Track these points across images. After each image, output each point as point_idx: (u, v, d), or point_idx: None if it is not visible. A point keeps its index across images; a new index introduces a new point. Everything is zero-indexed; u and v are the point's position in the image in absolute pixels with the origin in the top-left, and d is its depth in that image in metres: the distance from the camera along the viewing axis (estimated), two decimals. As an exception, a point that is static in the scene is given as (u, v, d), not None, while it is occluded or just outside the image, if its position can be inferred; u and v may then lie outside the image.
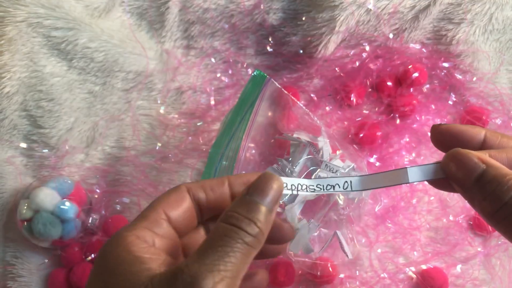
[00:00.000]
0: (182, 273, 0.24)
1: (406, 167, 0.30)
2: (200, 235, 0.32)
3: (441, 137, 0.30)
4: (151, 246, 0.27)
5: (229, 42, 0.57)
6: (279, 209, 0.48)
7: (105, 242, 0.28)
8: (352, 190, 0.31)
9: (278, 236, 0.31)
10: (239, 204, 0.27)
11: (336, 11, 0.52)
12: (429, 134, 0.55)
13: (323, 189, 0.31)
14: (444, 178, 0.29)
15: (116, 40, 0.54)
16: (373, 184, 0.31)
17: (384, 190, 0.54)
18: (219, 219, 0.27)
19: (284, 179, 0.30)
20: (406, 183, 0.30)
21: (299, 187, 0.31)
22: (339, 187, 0.31)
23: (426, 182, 0.54)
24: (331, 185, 0.31)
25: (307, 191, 0.31)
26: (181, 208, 0.29)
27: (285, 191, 0.30)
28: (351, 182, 0.31)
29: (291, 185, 0.31)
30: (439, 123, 0.31)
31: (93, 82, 0.54)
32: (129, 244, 0.27)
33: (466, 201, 0.28)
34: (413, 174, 0.29)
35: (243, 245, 0.26)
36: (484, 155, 0.28)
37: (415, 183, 0.31)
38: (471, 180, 0.27)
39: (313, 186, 0.31)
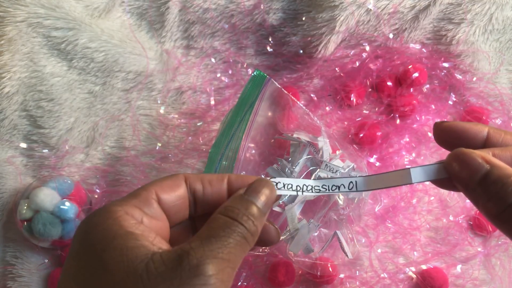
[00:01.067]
0: (188, 255, 0.24)
1: (409, 168, 0.30)
2: (188, 230, 0.32)
3: (444, 134, 0.30)
4: (140, 224, 0.27)
5: (229, 42, 0.57)
6: (279, 209, 0.48)
7: (90, 214, 0.27)
8: (357, 191, 0.31)
9: (264, 238, 0.31)
10: (237, 201, 0.28)
11: (336, 11, 0.52)
12: (429, 134, 0.55)
13: (329, 190, 0.32)
14: (447, 178, 0.29)
15: (116, 40, 0.54)
16: (377, 185, 0.31)
17: (384, 190, 0.54)
18: (218, 211, 0.28)
19: (289, 180, 0.31)
20: (410, 183, 0.30)
21: (304, 188, 0.32)
22: (344, 187, 0.32)
23: (427, 182, 0.55)
24: (337, 186, 0.32)
25: (312, 191, 0.32)
26: (174, 194, 0.29)
27: (290, 192, 0.31)
28: (356, 182, 0.31)
29: (296, 186, 0.31)
30: (441, 120, 0.31)
31: (93, 82, 0.54)
32: (119, 218, 0.26)
33: (470, 201, 0.28)
34: (416, 174, 0.30)
35: (241, 238, 0.26)
36: (487, 154, 0.27)
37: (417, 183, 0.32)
38: (475, 180, 0.27)
39: (318, 187, 0.32)
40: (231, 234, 0.26)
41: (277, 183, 0.31)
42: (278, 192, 0.31)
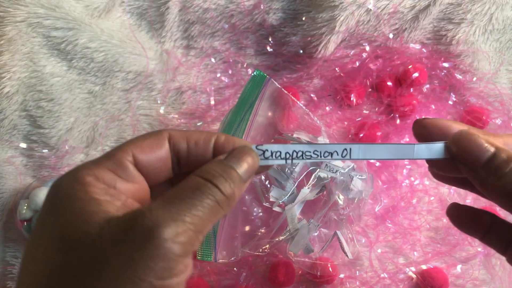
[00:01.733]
0: (143, 217, 0.23)
1: (414, 144, 0.29)
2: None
3: (425, 131, 0.30)
4: (110, 188, 0.25)
5: (229, 42, 0.57)
6: (279, 209, 0.48)
7: (59, 177, 0.26)
8: (350, 158, 0.30)
9: None
10: (216, 164, 0.27)
11: (336, 11, 0.52)
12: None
13: (320, 156, 0.30)
14: (449, 159, 0.29)
15: (116, 40, 0.53)
16: (374, 155, 0.30)
17: (384, 190, 0.54)
18: (193, 173, 0.26)
19: (277, 147, 0.29)
20: (410, 158, 0.30)
21: (294, 155, 0.30)
22: (338, 154, 0.30)
23: (426, 182, 0.55)
24: (329, 152, 0.30)
25: (303, 158, 0.30)
26: (154, 156, 0.27)
27: (278, 161, 0.29)
28: (350, 149, 0.30)
29: (285, 153, 0.30)
30: (422, 117, 0.31)
31: (93, 82, 0.54)
32: (86, 184, 0.25)
33: (473, 183, 0.28)
34: (419, 150, 0.29)
35: (213, 202, 0.25)
36: (490, 138, 0.28)
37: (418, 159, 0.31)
38: (480, 162, 0.27)
39: (309, 152, 0.30)
40: (200, 196, 0.25)
41: (264, 151, 0.29)
42: (265, 162, 0.29)
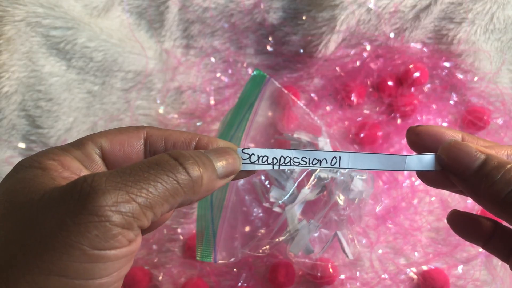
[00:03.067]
0: (82, 182, 0.22)
1: (406, 155, 0.29)
2: None
3: (418, 139, 0.30)
4: (74, 176, 0.24)
5: (229, 41, 0.57)
6: (279, 210, 0.48)
7: (25, 159, 0.25)
8: (340, 168, 0.29)
9: None
10: (192, 151, 0.25)
11: (337, 11, 0.52)
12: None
13: (309, 163, 0.29)
14: (440, 170, 0.28)
15: (115, 39, 0.53)
16: (364, 164, 0.29)
17: (385, 190, 0.53)
18: (166, 151, 0.25)
19: (264, 152, 0.28)
20: (401, 170, 0.29)
21: (282, 161, 0.29)
22: (327, 162, 0.29)
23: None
24: (318, 160, 0.29)
25: (290, 164, 0.29)
26: (124, 152, 0.26)
27: (265, 166, 0.28)
28: (340, 158, 0.29)
29: (273, 158, 0.29)
30: (416, 125, 0.31)
31: (92, 82, 0.54)
32: (49, 167, 0.24)
33: (466, 192, 0.28)
34: (411, 162, 0.29)
35: (172, 181, 0.23)
36: (479, 146, 0.28)
37: (407, 172, 0.31)
38: (471, 170, 0.27)
39: (298, 158, 0.29)
40: (158, 172, 0.23)
41: (250, 155, 0.28)
42: (251, 167, 0.28)
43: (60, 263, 0.21)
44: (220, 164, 0.26)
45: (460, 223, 0.32)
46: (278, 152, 0.29)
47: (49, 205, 0.22)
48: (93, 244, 0.21)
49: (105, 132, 0.27)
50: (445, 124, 0.56)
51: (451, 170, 0.28)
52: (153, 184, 0.23)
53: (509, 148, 0.29)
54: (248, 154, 0.28)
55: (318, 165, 0.29)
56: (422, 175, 0.30)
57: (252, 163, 0.28)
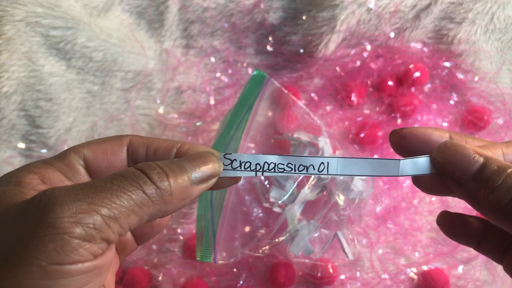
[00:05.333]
0: (42, 195, 0.21)
1: (399, 159, 0.26)
2: None
3: (403, 142, 0.28)
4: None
5: (229, 41, 0.57)
6: (279, 210, 0.48)
7: (6, 173, 0.24)
8: (328, 174, 0.27)
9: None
10: (163, 161, 0.24)
11: (337, 10, 0.52)
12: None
13: (294, 169, 0.27)
14: (436, 173, 0.27)
15: (115, 39, 0.53)
16: (355, 170, 0.27)
17: (385, 190, 0.53)
18: (147, 159, 0.25)
19: (248, 157, 0.27)
20: (395, 176, 0.27)
21: (266, 167, 0.27)
22: (314, 169, 0.27)
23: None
24: (305, 166, 0.27)
25: (274, 171, 0.27)
26: (108, 161, 0.26)
27: (247, 173, 0.27)
28: (328, 164, 0.27)
29: (256, 165, 0.27)
30: (400, 128, 0.28)
31: (92, 82, 0.54)
32: (24, 181, 0.23)
33: (462, 196, 0.26)
34: (405, 167, 0.27)
35: (137, 191, 0.22)
36: (477, 147, 0.26)
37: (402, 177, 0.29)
38: (468, 174, 0.25)
39: (282, 165, 0.27)
40: (123, 184, 0.22)
41: (232, 161, 0.27)
42: (233, 173, 0.27)
43: (16, 281, 0.20)
44: (195, 170, 0.25)
45: (450, 224, 0.30)
46: (261, 158, 0.27)
47: (7, 220, 0.21)
48: (51, 259, 0.20)
49: (88, 142, 0.26)
50: (445, 124, 0.56)
51: (447, 174, 0.26)
52: (116, 195, 0.22)
53: (503, 146, 0.27)
54: (230, 159, 0.27)
55: (304, 171, 0.27)
56: (418, 181, 0.28)
57: (234, 169, 0.27)
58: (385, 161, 0.27)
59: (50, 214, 0.20)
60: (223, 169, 0.27)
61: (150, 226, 0.29)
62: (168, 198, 0.23)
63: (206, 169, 0.25)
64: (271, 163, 0.27)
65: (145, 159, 0.26)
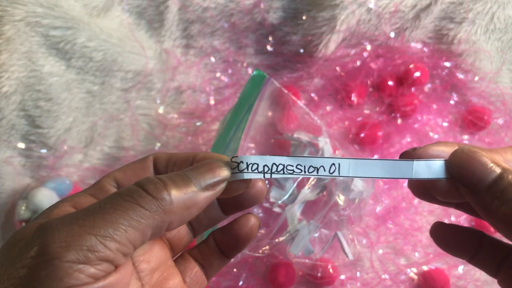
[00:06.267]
0: (38, 226, 0.21)
1: (413, 160, 0.26)
2: None
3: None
4: None
5: (229, 41, 0.57)
6: (279, 210, 0.48)
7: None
8: (339, 176, 0.26)
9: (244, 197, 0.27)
10: (167, 174, 0.24)
11: (337, 10, 0.52)
12: (431, 134, 0.55)
13: (304, 171, 0.26)
14: (449, 178, 0.26)
15: (115, 39, 0.53)
16: (367, 172, 0.26)
17: (385, 190, 0.53)
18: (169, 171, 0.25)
19: (255, 159, 0.26)
20: (408, 178, 0.26)
21: (274, 168, 0.26)
22: (324, 170, 0.26)
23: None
24: (315, 167, 0.26)
25: (283, 173, 0.26)
26: (137, 178, 0.25)
27: (255, 175, 0.26)
28: (339, 165, 0.26)
29: (264, 166, 0.26)
30: (413, 147, 0.27)
31: (91, 82, 0.54)
32: (55, 212, 0.23)
33: (473, 205, 0.25)
34: (419, 169, 0.26)
35: (132, 205, 0.22)
36: (495, 156, 0.25)
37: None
38: (484, 184, 0.24)
39: (292, 166, 0.26)
40: (116, 199, 0.22)
41: (238, 163, 0.26)
42: (240, 176, 0.26)
43: None
44: (198, 177, 0.24)
45: (445, 236, 0.30)
46: (269, 159, 0.26)
47: (9, 253, 0.21)
48: (46, 286, 0.20)
49: (121, 167, 0.27)
50: (445, 124, 0.56)
51: (462, 180, 0.25)
52: (110, 213, 0.21)
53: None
54: (236, 162, 0.26)
55: (315, 173, 0.26)
56: (415, 187, 0.28)
57: (241, 171, 0.26)
58: (398, 162, 0.26)
59: (42, 242, 0.20)
60: (231, 172, 0.26)
61: (204, 216, 0.29)
62: (169, 208, 0.23)
63: (210, 175, 0.25)
64: (279, 164, 0.26)
65: (167, 172, 0.26)
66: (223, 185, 0.25)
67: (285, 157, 0.26)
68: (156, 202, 0.22)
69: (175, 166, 0.27)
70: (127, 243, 0.21)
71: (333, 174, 0.26)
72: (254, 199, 0.28)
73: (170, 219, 0.23)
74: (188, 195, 0.23)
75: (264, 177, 0.26)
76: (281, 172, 0.26)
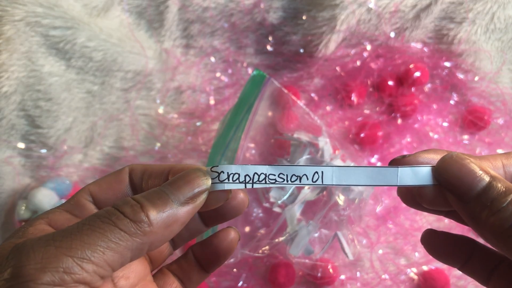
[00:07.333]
0: (14, 247, 0.21)
1: (397, 167, 0.25)
2: None
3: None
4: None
5: (229, 41, 0.57)
6: (279, 210, 0.48)
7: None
8: (323, 184, 0.26)
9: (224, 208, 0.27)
10: (143, 193, 0.24)
11: (337, 10, 0.52)
12: (431, 134, 0.55)
13: (287, 180, 0.26)
14: (436, 185, 0.25)
15: (115, 39, 0.53)
16: (351, 180, 0.26)
17: (385, 190, 0.53)
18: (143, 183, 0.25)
19: (236, 168, 0.25)
20: (393, 185, 0.25)
21: (255, 178, 0.25)
22: (307, 179, 0.26)
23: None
24: (298, 176, 0.26)
25: (265, 182, 0.26)
26: (113, 192, 0.26)
27: (236, 186, 0.25)
28: (322, 173, 0.25)
29: (245, 176, 0.25)
30: (402, 155, 0.27)
31: (91, 82, 0.54)
32: (29, 231, 0.23)
33: (461, 214, 0.24)
34: (405, 175, 0.25)
35: (109, 226, 0.21)
36: (484, 165, 0.24)
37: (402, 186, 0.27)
38: (472, 192, 0.23)
39: (274, 175, 0.26)
40: (94, 222, 0.21)
41: (219, 173, 0.25)
42: (221, 187, 0.25)
43: None
44: (176, 192, 0.24)
45: (436, 244, 0.29)
46: (251, 169, 0.25)
47: None
48: None
49: (96, 181, 0.26)
50: (445, 124, 0.56)
51: (450, 187, 0.24)
52: (87, 234, 0.21)
53: (503, 158, 0.25)
54: (217, 172, 0.25)
55: (297, 182, 0.26)
56: (403, 194, 0.27)
57: (221, 182, 0.25)
58: (382, 170, 0.25)
59: (16, 264, 0.20)
60: (212, 183, 0.25)
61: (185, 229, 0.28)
62: (149, 230, 0.22)
63: (189, 187, 0.24)
64: (261, 173, 0.26)
65: (142, 185, 0.26)
66: (204, 196, 0.24)
67: (267, 166, 0.26)
68: (134, 225, 0.22)
69: (150, 178, 0.26)
70: (105, 265, 0.21)
71: (316, 183, 0.26)
72: (236, 211, 0.27)
73: (151, 240, 0.22)
74: (167, 213, 0.23)
75: (245, 187, 0.25)
76: (263, 182, 0.26)
